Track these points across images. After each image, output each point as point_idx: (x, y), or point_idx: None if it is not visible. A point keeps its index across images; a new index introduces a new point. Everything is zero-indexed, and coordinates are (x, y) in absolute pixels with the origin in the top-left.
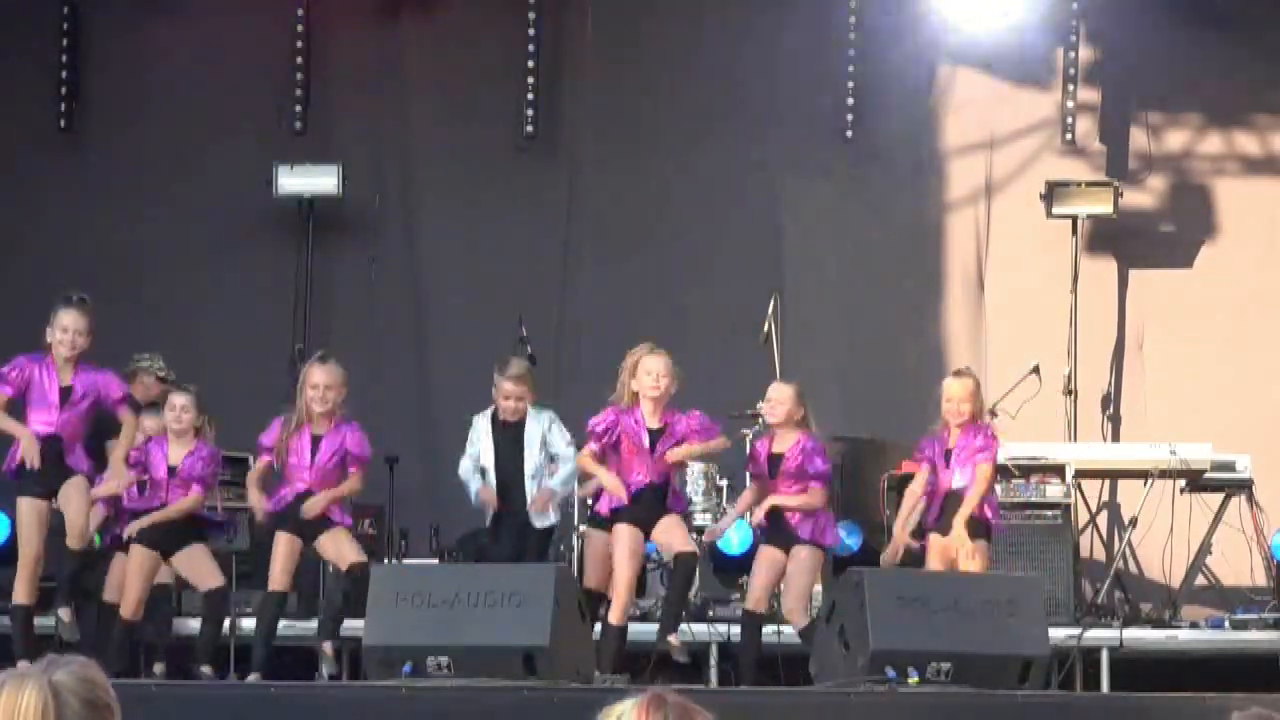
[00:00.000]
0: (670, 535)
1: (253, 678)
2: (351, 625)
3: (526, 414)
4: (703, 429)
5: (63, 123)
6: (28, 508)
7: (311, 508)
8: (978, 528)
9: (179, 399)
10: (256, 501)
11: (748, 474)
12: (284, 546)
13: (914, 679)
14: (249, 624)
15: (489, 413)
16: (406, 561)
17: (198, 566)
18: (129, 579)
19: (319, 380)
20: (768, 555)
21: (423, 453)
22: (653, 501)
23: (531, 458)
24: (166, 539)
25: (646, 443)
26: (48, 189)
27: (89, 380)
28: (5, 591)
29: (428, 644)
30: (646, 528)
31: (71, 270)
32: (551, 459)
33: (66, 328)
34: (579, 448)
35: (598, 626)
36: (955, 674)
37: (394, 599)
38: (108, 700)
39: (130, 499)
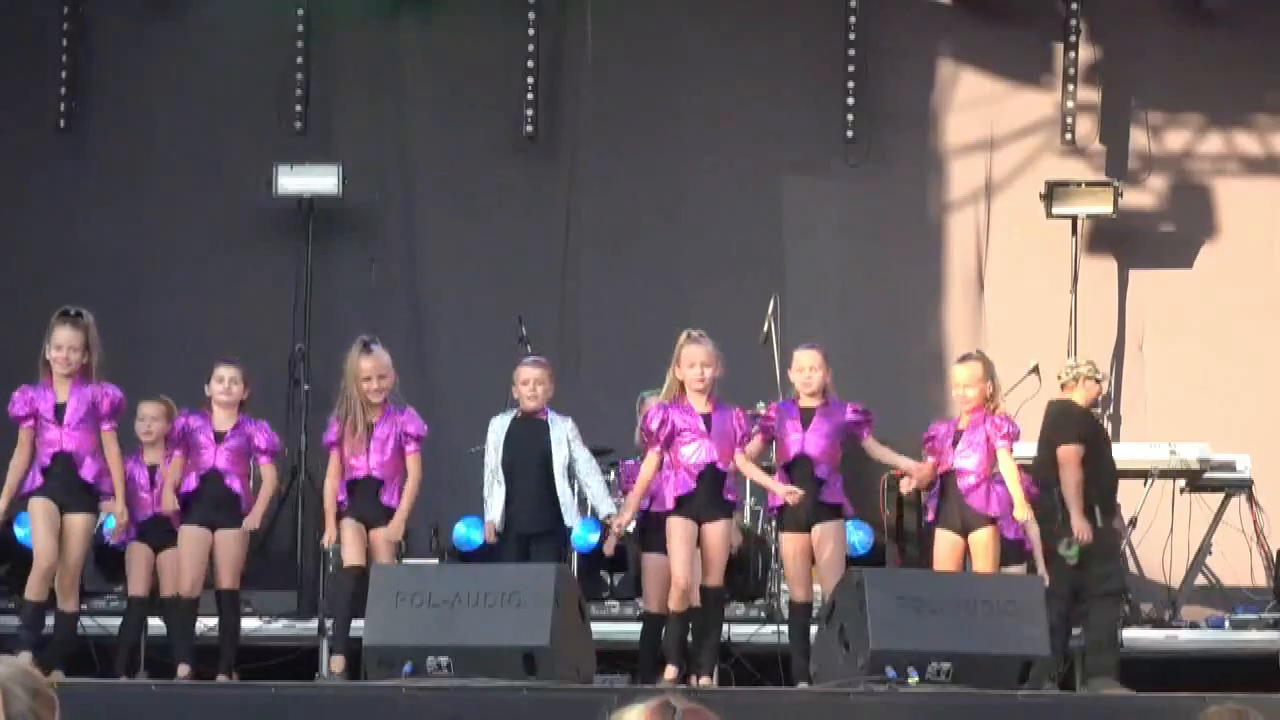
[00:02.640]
0: (709, 556)
1: (338, 662)
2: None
3: (546, 411)
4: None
5: (63, 123)
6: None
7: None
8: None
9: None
10: (332, 503)
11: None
12: (352, 531)
13: (914, 679)
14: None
15: (509, 413)
16: (407, 562)
17: (228, 557)
18: (185, 559)
19: (369, 370)
20: (795, 543)
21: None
22: (709, 489)
23: (560, 456)
24: (215, 516)
25: (703, 426)
26: (48, 189)
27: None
28: (20, 585)
29: (428, 644)
30: (699, 518)
31: (72, 270)
32: (573, 473)
33: (61, 344)
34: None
35: (594, 627)
36: (955, 674)
37: (394, 599)
38: (50, 692)
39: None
